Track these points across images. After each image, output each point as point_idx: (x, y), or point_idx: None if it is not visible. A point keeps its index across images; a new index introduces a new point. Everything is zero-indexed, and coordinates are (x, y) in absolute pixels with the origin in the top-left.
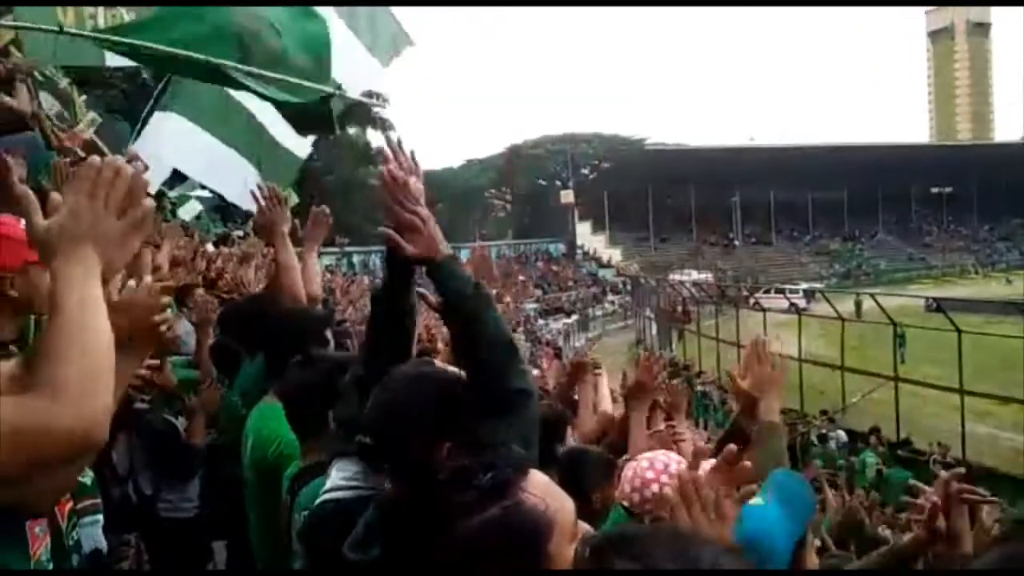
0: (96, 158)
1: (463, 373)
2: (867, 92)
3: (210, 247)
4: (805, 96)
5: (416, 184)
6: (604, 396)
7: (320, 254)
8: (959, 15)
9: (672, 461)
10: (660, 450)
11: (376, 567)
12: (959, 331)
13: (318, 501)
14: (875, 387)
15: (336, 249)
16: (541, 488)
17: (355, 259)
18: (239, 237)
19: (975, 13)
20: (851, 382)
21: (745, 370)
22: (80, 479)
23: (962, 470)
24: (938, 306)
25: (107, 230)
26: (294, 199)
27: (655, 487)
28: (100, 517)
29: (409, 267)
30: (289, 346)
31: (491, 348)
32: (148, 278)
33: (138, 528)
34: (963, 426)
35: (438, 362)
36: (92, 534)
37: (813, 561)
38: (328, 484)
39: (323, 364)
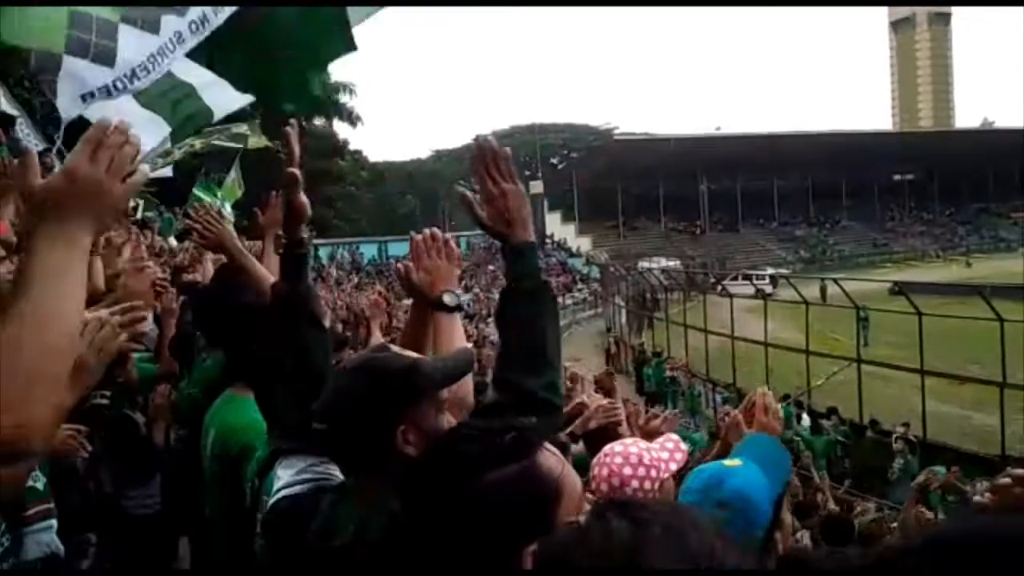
0: (106, 119)
1: (422, 357)
2: (832, 81)
3: (172, 241)
4: (771, 85)
5: (504, 158)
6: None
7: None
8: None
9: (644, 452)
10: (628, 441)
11: (344, 554)
12: (920, 313)
13: (271, 501)
14: (839, 369)
15: None
16: (552, 457)
17: (322, 252)
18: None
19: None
20: (816, 365)
21: (748, 415)
22: (31, 484)
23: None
24: (900, 290)
25: (107, 194)
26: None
27: (635, 483)
28: (53, 522)
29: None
30: (252, 337)
31: (532, 348)
32: (105, 313)
33: (98, 527)
34: (923, 406)
35: (395, 348)
36: (45, 540)
37: (787, 521)
38: (278, 484)
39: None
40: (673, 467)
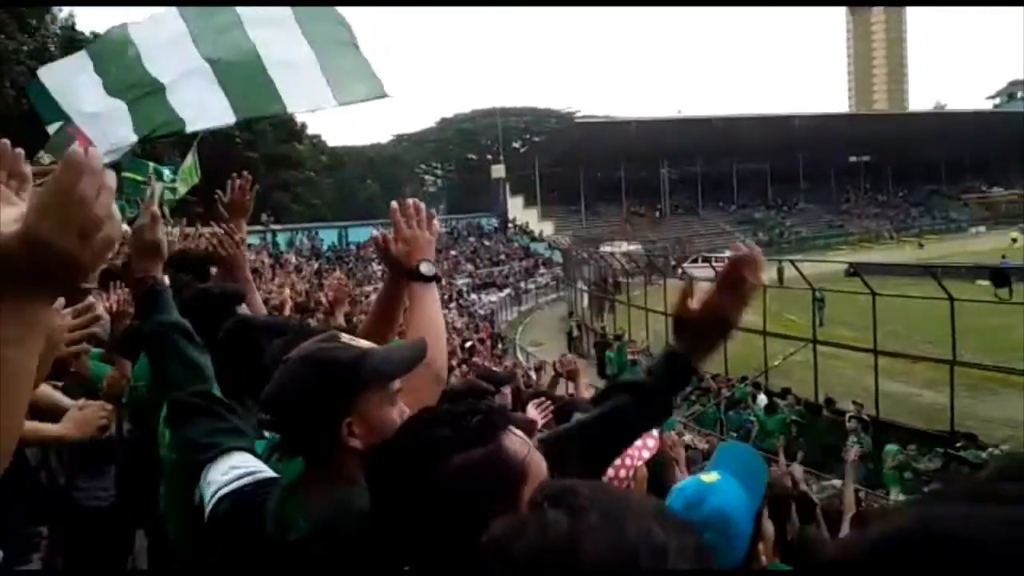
0: (78, 149)
1: (372, 347)
2: (791, 64)
3: (125, 227)
4: (731, 69)
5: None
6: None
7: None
8: None
9: (625, 458)
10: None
11: (301, 548)
12: (874, 294)
13: (211, 505)
14: (795, 350)
15: (261, 227)
16: (517, 440)
17: (280, 238)
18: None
19: None
20: (773, 346)
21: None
22: None
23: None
24: (855, 271)
25: (76, 263)
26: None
27: (610, 472)
28: None
29: None
30: (201, 328)
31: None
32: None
33: (50, 520)
34: (876, 385)
35: (345, 337)
36: None
37: (768, 532)
38: (211, 489)
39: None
40: (646, 454)
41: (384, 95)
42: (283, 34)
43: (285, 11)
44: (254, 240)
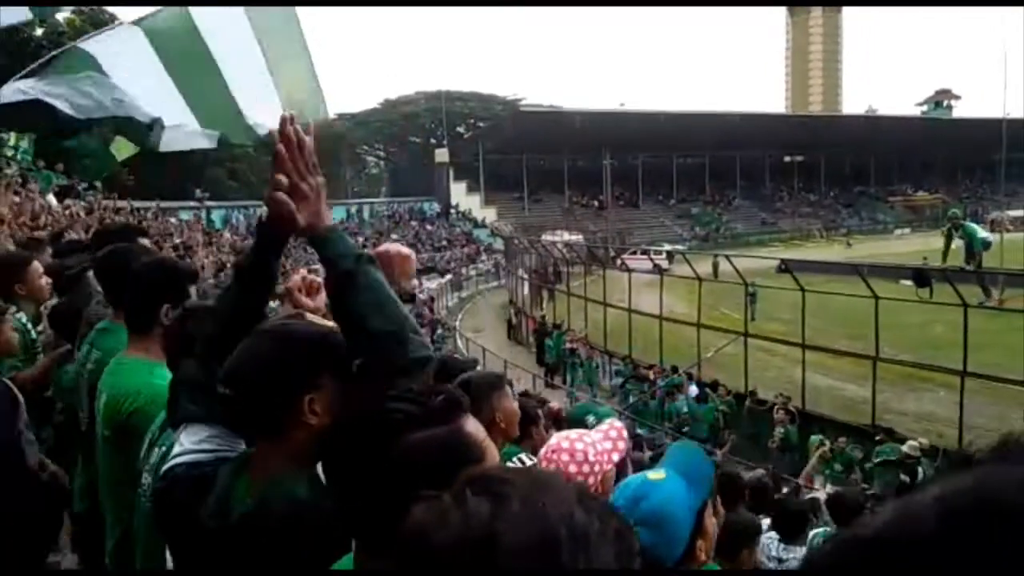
0: None
1: (334, 327)
2: (731, 64)
3: (52, 199)
4: (673, 65)
5: (311, 152)
6: None
7: (177, 209)
8: None
9: (589, 448)
10: (574, 435)
11: (237, 531)
12: (803, 290)
13: (166, 467)
14: (727, 343)
15: (195, 203)
16: (475, 424)
17: (215, 215)
18: (83, 189)
19: None
20: (707, 338)
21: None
22: None
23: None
24: (786, 267)
25: None
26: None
27: (579, 479)
28: None
29: (283, 237)
30: (153, 299)
31: (380, 318)
32: None
33: None
34: (803, 378)
35: (310, 316)
36: None
37: (712, 525)
38: (177, 449)
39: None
40: (616, 457)
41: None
42: (242, 47)
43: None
44: (187, 216)
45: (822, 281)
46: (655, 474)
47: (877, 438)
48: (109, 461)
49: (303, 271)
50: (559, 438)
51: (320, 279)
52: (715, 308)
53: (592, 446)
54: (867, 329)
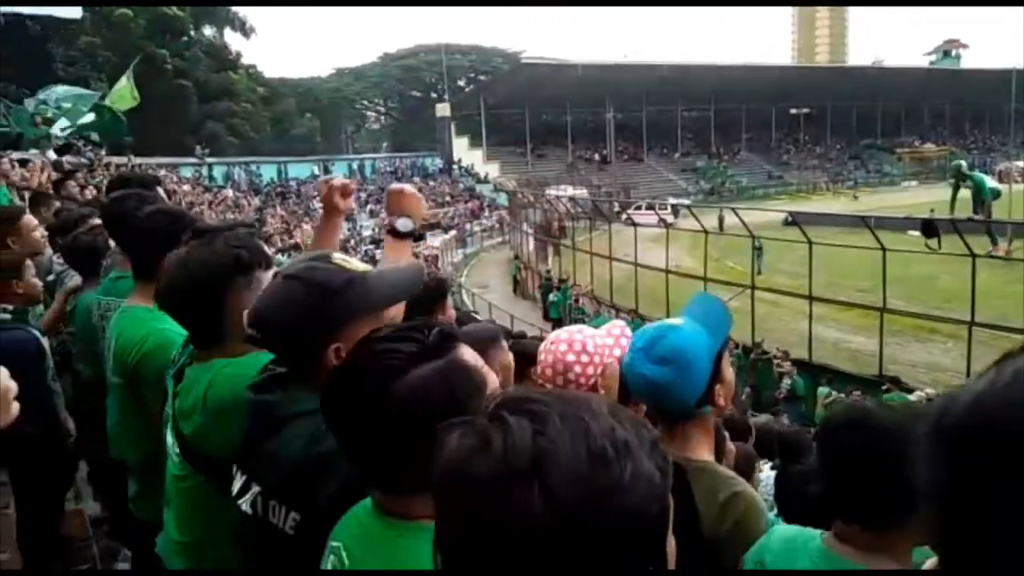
0: None
1: (368, 270)
2: (736, 14)
3: (52, 156)
4: (677, 16)
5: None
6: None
7: (177, 166)
8: None
9: (587, 340)
10: (574, 328)
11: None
12: (810, 242)
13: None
14: (734, 295)
15: (196, 160)
16: (471, 351)
17: (216, 172)
18: (83, 146)
19: None
20: (713, 291)
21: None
22: None
23: None
24: (793, 220)
25: None
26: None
27: (577, 368)
28: None
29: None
30: (156, 247)
31: None
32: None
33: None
34: (810, 330)
35: (337, 257)
36: None
37: (729, 374)
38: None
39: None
40: (617, 352)
41: None
42: None
43: None
44: (187, 173)
45: (830, 233)
46: (674, 320)
47: (884, 388)
48: (122, 408)
49: (340, 176)
50: (559, 331)
51: (354, 184)
52: (721, 261)
53: (591, 339)
54: (874, 281)
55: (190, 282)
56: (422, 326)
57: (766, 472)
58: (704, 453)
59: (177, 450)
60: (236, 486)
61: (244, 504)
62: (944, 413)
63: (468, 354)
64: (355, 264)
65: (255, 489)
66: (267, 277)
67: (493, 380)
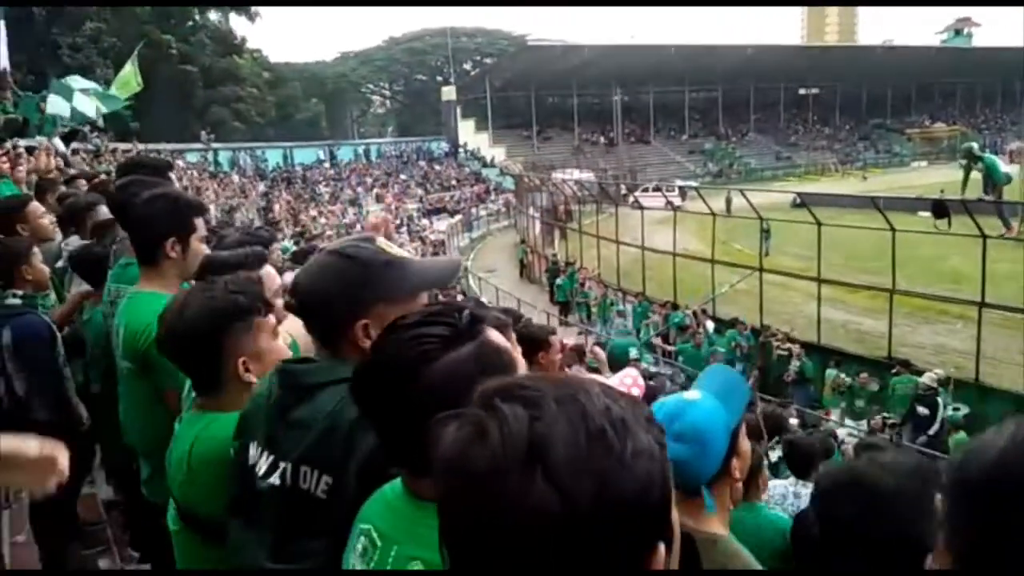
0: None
1: (408, 257)
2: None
3: (58, 142)
4: None
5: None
6: None
7: (184, 151)
8: None
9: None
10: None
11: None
12: (819, 224)
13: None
14: (741, 278)
15: (201, 145)
16: (497, 333)
17: (222, 157)
18: (89, 132)
19: None
20: (721, 274)
21: None
22: None
23: None
24: (802, 201)
25: None
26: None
27: None
28: None
29: None
30: (156, 232)
31: None
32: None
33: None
34: (819, 312)
35: (381, 242)
36: None
37: (746, 446)
38: None
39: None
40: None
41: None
42: None
43: None
44: (193, 158)
45: (838, 215)
46: (690, 394)
47: (893, 370)
48: (132, 393)
49: (384, 213)
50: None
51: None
52: (728, 244)
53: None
54: (883, 263)
55: (188, 328)
56: (451, 309)
57: (774, 483)
58: (716, 526)
59: (174, 511)
60: (262, 467)
61: (273, 479)
62: (964, 468)
63: (495, 335)
64: (396, 250)
65: (282, 466)
66: (268, 322)
67: (521, 361)
